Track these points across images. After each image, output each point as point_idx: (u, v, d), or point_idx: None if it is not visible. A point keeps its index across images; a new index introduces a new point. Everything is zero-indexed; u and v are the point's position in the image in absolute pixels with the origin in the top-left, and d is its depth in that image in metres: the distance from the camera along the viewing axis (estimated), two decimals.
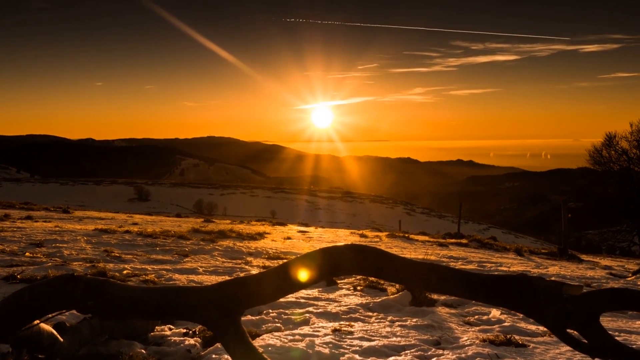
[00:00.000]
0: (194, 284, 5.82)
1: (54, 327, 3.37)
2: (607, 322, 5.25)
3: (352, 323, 4.55)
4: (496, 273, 9.00)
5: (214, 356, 3.47)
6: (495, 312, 5.15)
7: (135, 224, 13.81)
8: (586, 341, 2.42)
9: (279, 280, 2.62)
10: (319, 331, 4.19)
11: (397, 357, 3.64)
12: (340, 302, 5.40)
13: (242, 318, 4.55)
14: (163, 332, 4.07)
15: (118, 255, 7.48)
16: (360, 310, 5.05)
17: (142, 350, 3.60)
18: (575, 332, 2.47)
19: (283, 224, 18.14)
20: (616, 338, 4.43)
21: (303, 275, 2.55)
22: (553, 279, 9.24)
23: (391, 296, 5.53)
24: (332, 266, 2.60)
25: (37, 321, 3.10)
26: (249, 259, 8.26)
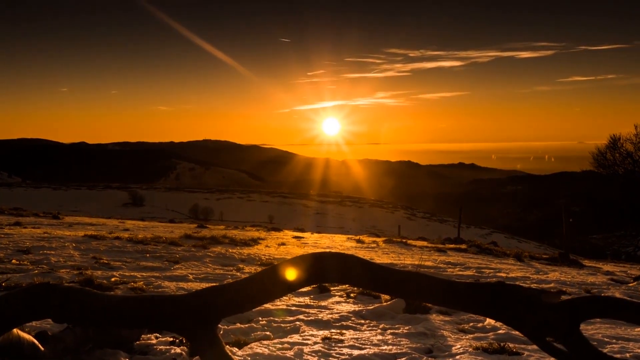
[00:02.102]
0: (183, 292, 5.71)
1: (35, 336, 3.30)
2: (605, 329, 5.16)
3: (343, 331, 4.47)
4: (494, 280, 8.93)
5: None
6: (490, 320, 5.05)
7: (126, 229, 13.65)
8: (566, 350, 2.35)
9: (257, 289, 2.52)
10: (308, 339, 4.12)
11: None
12: (332, 309, 5.31)
13: (232, 326, 4.47)
14: (149, 341, 3.98)
15: (107, 262, 7.37)
16: (352, 318, 4.96)
17: None
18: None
19: (278, 230, 17.91)
20: (613, 345, 4.35)
21: (282, 283, 2.45)
22: (553, 285, 9.11)
23: (384, 303, 5.43)
24: (311, 275, 2.51)
25: (17, 330, 3.02)
26: (240, 265, 8.14)
